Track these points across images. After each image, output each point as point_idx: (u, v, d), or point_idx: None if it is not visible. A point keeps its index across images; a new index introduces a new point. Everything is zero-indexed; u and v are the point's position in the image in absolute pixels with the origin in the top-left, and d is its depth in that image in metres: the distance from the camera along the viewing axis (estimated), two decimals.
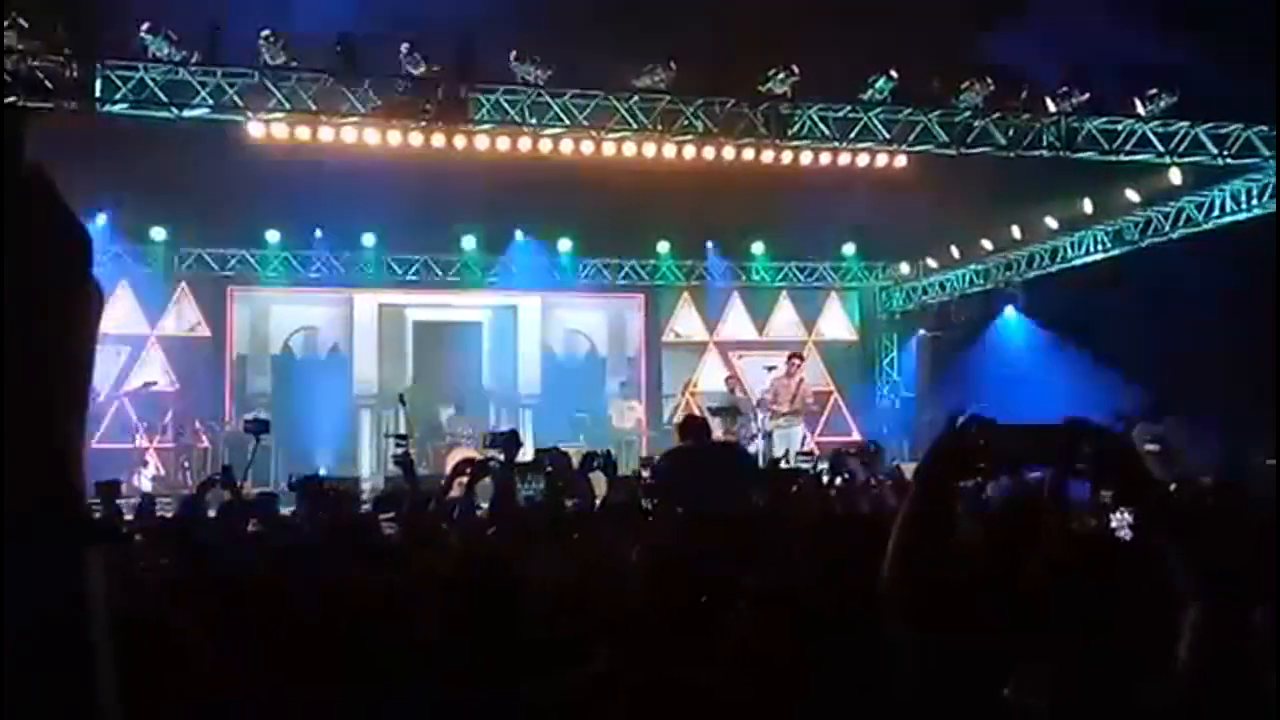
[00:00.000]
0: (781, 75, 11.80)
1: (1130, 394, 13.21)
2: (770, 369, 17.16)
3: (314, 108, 11.39)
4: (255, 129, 11.62)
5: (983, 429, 1.96)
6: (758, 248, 18.66)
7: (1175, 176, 13.25)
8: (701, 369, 19.44)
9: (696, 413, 15.63)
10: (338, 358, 18.54)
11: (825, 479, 8.66)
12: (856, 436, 18.27)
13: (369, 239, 17.44)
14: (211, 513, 7.13)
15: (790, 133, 12.29)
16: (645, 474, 11.11)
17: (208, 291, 17.71)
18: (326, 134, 11.82)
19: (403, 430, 16.52)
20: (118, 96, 10.86)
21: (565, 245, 18.02)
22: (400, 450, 8.61)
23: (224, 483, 9.14)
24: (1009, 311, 17.65)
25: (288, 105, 11.30)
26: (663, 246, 18.47)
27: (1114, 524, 4.45)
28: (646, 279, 19.03)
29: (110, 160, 11.86)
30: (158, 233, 16.65)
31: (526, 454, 9.26)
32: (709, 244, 18.44)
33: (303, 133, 11.75)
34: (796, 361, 15.55)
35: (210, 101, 11.14)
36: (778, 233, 17.68)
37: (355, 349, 18.44)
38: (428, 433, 16.74)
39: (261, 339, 18.31)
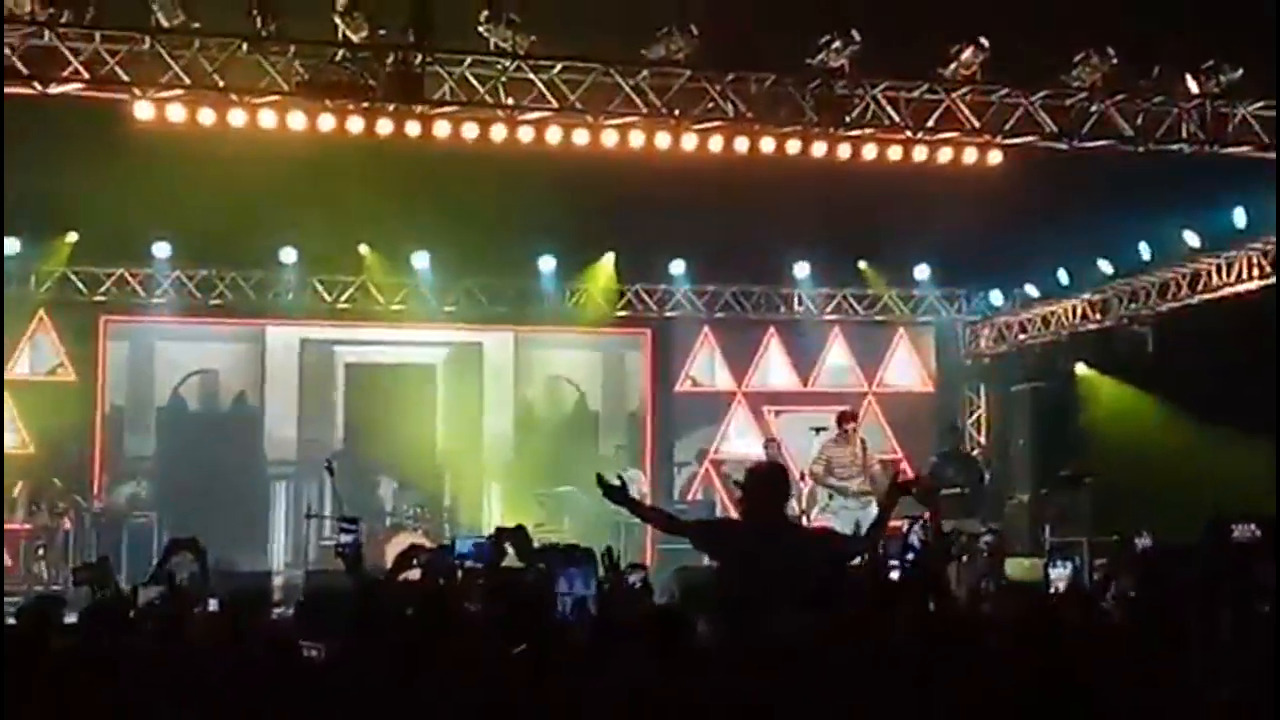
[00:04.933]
0: (838, 44, 11.87)
1: None
2: (819, 430, 17.12)
3: (221, 83, 11.43)
4: (143, 110, 11.64)
5: None
6: (802, 270, 18.69)
7: None
8: (727, 429, 19.43)
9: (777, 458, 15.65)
10: (244, 410, 18.59)
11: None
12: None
13: (288, 255, 17.47)
14: (70, 618, 7.07)
15: (848, 119, 12.34)
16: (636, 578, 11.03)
17: (74, 322, 17.74)
18: (237, 117, 11.85)
19: (329, 508, 16.58)
20: None
21: (548, 264, 18.06)
22: (349, 539, 8.60)
23: (94, 579, 9.12)
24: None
25: (186, 79, 11.33)
26: (676, 267, 18.51)
27: None
28: (655, 309, 19.09)
29: None
30: (11, 244, 16.66)
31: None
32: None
33: (206, 115, 11.78)
34: (850, 423, 15.57)
35: (85, 74, 11.17)
36: (829, 250, 17.70)
37: (267, 399, 18.50)
38: (362, 511, 16.67)
39: (144, 385, 18.33)
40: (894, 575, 11.01)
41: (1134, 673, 5.32)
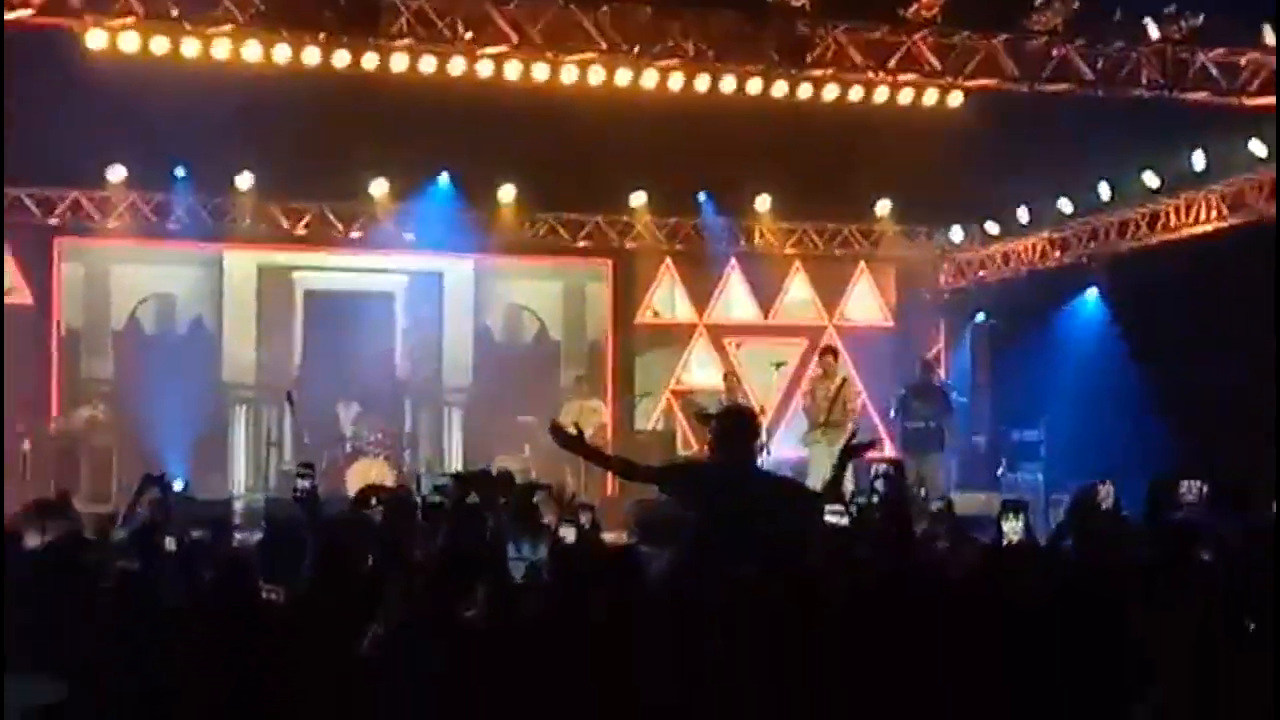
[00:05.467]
0: None
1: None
2: (779, 365, 17.30)
3: (175, 12, 11.35)
4: (96, 39, 11.54)
5: None
6: (763, 203, 18.69)
7: None
8: (688, 361, 19.52)
9: (744, 402, 16.10)
10: (201, 335, 18.56)
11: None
12: (890, 453, 18.39)
13: (245, 180, 17.34)
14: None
15: (809, 59, 12.35)
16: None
17: (29, 245, 17.55)
18: (191, 47, 11.77)
19: (289, 436, 16.64)
20: None
21: (508, 194, 17.99)
22: (305, 484, 8.64)
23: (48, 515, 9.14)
24: (1091, 294, 17.81)
25: (139, 8, 11.26)
26: (637, 199, 18.47)
27: None
28: (615, 240, 19.08)
29: None
30: None
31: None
32: (701, 196, 18.42)
33: (159, 45, 11.69)
34: (831, 359, 15.77)
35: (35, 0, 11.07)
36: (791, 184, 17.71)
37: (225, 324, 18.45)
38: (322, 437, 16.81)
39: (100, 309, 18.28)
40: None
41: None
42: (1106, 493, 12.78)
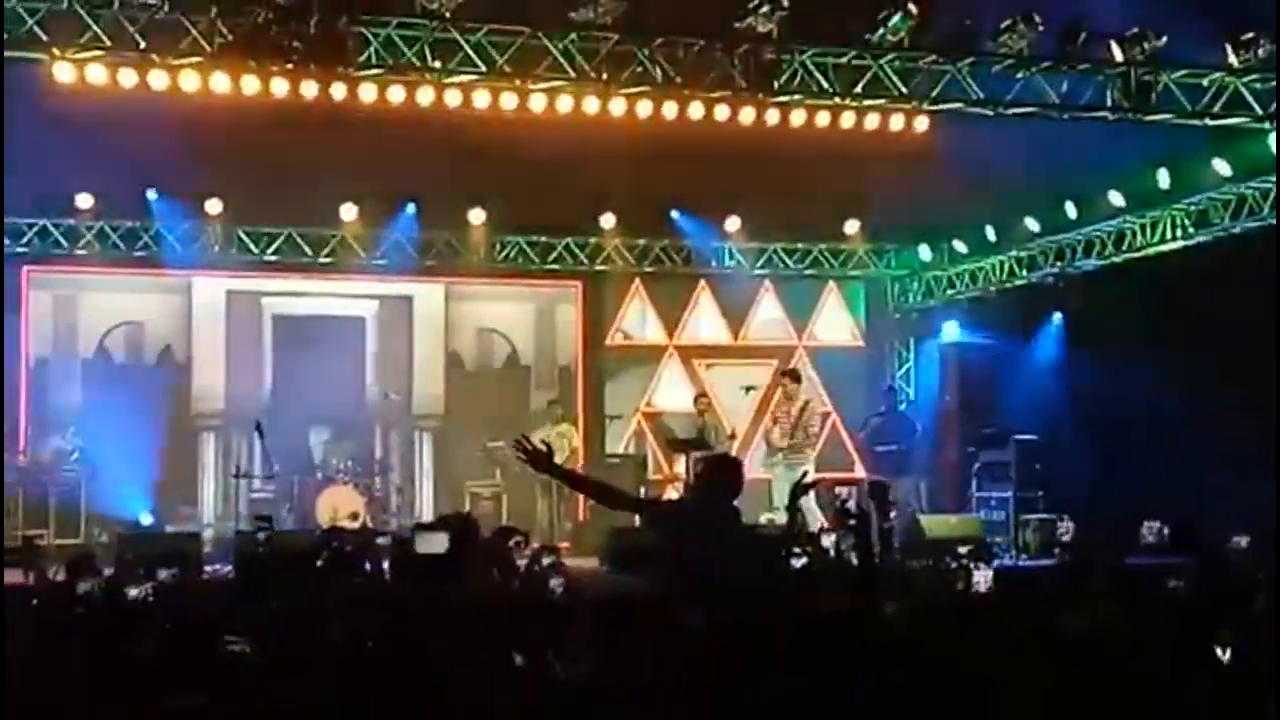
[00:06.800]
0: (766, 9, 11.92)
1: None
2: (748, 390, 17.41)
3: (143, 44, 11.33)
4: (64, 71, 11.54)
5: None
6: (733, 224, 18.76)
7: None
8: (658, 383, 19.57)
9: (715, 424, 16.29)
10: (170, 362, 18.52)
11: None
12: (860, 473, 18.51)
13: (214, 206, 17.34)
14: None
15: (777, 85, 12.41)
16: None
17: None
18: (159, 79, 11.77)
19: (259, 464, 16.63)
20: None
21: (477, 217, 18.04)
22: (263, 536, 8.69)
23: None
24: (1056, 317, 18.02)
25: (107, 40, 11.25)
26: (607, 220, 18.52)
27: None
28: (585, 263, 19.12)
29: None
30: None
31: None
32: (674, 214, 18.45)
33: (127, 77, 11.69)
34: (791, 382, 15.86)
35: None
36: (759, 206, 17.79)
37: (194, 351, 18.45)
38: (292, 465, 16.80)
39: (68, 337, 18.22)
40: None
41: None
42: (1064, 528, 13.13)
